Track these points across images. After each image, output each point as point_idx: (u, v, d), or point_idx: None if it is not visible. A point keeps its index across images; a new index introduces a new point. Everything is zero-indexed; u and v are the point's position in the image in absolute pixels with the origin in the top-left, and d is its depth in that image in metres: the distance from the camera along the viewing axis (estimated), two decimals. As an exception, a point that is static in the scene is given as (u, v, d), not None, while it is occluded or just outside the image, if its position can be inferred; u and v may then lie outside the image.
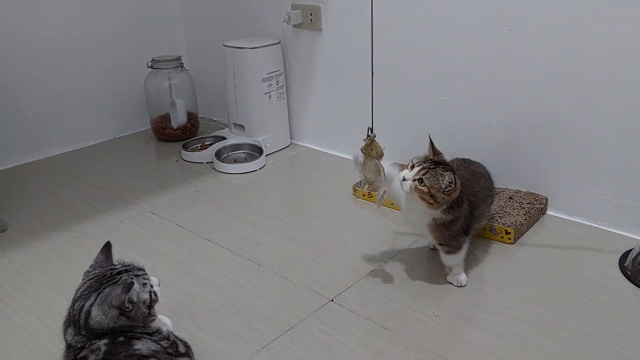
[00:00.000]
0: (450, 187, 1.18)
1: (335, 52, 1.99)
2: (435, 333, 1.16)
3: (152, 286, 1.00)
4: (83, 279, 1.00)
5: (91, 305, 0.94)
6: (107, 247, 1.05)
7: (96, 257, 1.04)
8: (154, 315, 1.00)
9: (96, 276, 0.99)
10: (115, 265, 1.02)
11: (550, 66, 1.50)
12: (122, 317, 0.94)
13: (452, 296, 1.27)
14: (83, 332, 0.94)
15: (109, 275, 0.98)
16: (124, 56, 2.36)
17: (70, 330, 0.95)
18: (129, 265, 1.02)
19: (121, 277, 0.98)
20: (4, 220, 1.66)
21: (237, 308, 1.26)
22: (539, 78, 1.53)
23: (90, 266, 1.02)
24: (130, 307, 0.95)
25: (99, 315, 0.93)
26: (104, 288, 0.96)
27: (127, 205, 1.77)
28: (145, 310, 0.97)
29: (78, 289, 0.98)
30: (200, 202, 1.80)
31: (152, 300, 0.99)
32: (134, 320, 0.96)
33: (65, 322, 0.97)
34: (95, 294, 0.95)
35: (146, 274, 1.02)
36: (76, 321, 0.95)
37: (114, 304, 0.93)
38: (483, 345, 1.12)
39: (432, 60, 1.74)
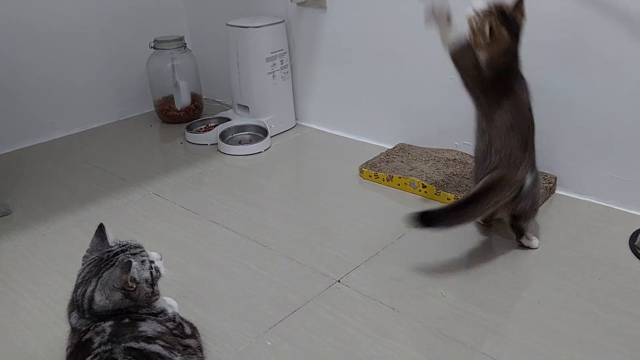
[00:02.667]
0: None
1: (341, 30, 1.96)
2: (443, 314, 1.14)
3: (152, 262, 0.98)
4: (82, 264, 0.98)
5: (93, 290, 0.93)
6: (101, 229, 1.01)
7: (91, 241, 1.01)
8: (158, 294, 0.99)
9: (94, 260, 0.97)
10: (111, 247, 0.99)
11: (559, 43, 1.46)
12: (126, 299, 0.93)
13: (460, 277, 1.26)
14: (87, 316, 0.93)
15: (105, 259, 0.96)
16: (126, 37, 2.33)
17: (75, 314, 0.95)
18: (125, 245, 0.99)
19: (118, 258, 0.96)
20: (8, 204, 1.65)
21: (243, 290, 1.25)
22: (547, 55, 1.50)
23: (87, 251, 1.00)
24: (134, 287, 0.93)
25: (102, 300, 0.92)
26: (103, 272, 0.94)
27: (131, 188, 1.76)
28: (148, 289, 0.96)
29: (79, 275, 0.97)
30: (205, 184, 1.78)
31: (154, 277, 0.97)
32: (138, 301, 0.95)
33: (69, 306, 0.97)
34: (96, 279, 0.94)
35: (144, 251, 1.00)
36: (80, 306, 0.94)
37: (116, 286, 0.92)
38: (492, 325, 1.10)
39: (437, 39, 1.70)
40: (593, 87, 1.45)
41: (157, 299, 0.99)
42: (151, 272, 0.97)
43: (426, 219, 1.21)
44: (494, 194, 1.21)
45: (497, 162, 1.25)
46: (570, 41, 1.45)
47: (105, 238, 1.00)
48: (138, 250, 0.99)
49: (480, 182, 1.25)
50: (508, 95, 1.25)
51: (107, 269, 0.94)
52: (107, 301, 0.92)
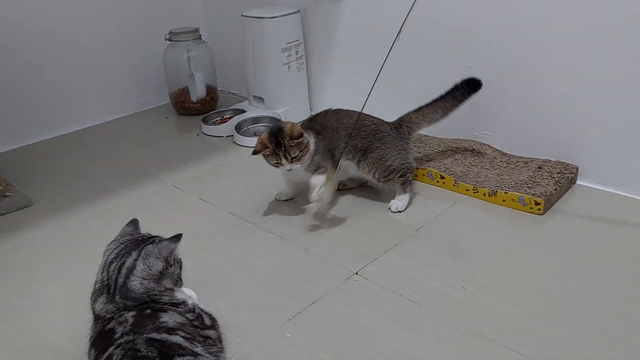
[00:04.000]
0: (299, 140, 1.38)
1: (356, 20, 1.94)
2: (463, 306, 1.14)
3: (180, 260, 1.03)
4: (109, 247, 1.01)
5: (135, 260, 0.96)
6: (134, 222, 1.08)
7: (122, 229, 1.06)
8: (182, 281, 1.03)
9: (128, 240, 1.01)
10: (144, 234, 1.05)
11: (582, 30, 1.44)
12: (163, 275, 0.96)
13: (480, 268, 1.25)
14: (117, 297, 0.94)
15: (141, 239, 1.01)
16: (142, 29, 2.33)
17: (102, 299, 0.96)
18: (157, 236, 1.04)
19: (155, 239, 1.01)
20: (29, 196, 1.67)
21: (262, 281, 1.26)
22: (569, 42, 1.47)
23: (117, 235, 1.04)
24: (172, 263, 0.98)
25: (144, 271, 0.95)
26: (145, 245, 0.99)
27: (149, 180, 1.76)
28: (178, 270, 1.01)
29: (108, 254, 0.99)
30: (222, 175, 1.79)
31: (181, 266, 1.02)
32: (171, 280, 0.98)
33: (94, 293, 0.98)
34: (136, 251, 0.98)
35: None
36: (112, 284, 0.95)
37: (163, 254, 0.97)
38: (512, 318, 1.09)
39: (457, 26, 1.69)
40: (616, 77, 1.42)
41: (180, 285, 1.02)
42: (179, 260, 1.02)
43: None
44: None
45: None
46: (592, 30, 1.42)
47: (137, 228, 1.06)
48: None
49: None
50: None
51: (148, 244, 0.99)
52: (148, 272, 0.95)
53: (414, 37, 1.79)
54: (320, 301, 1.18)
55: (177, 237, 0.99)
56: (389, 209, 1.49)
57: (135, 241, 1.01)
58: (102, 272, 0.98)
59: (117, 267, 0.96)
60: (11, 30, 1.99)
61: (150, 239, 1.01)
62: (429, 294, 1.18)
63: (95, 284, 0.98)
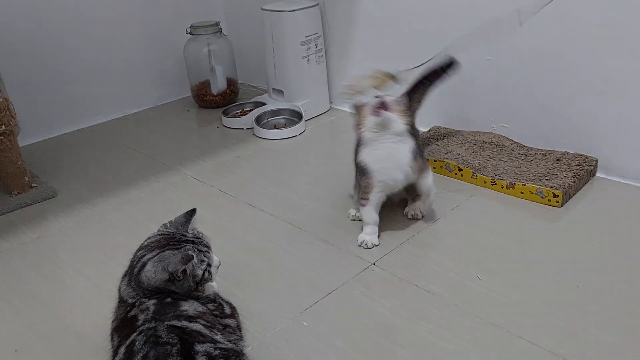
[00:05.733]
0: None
1: (375, 13, 1.94)
2: (479, 297, 1.14)
3: (209, 265, 1.02)
4: (157, 232, 1.04)
5: (150, 258, 0.98)
6: (192, 212, 1.08)
7: (177, 217, 1.07)
8: (201, 292, 1.02)
9: (166, 234, 1.02)
10: (187, 233, 1.04)
11: (602, 19, 1.42)
12: (169, 283, 0.97)
13: (497, 260, 1.25)
14: (133, 284, 0.97)
15: (177, 240, 1.01)
16: (163, 23, 2.36)
17: (125, 279, 1.00)
18: (198, 239, 1.04)
19: (185, 247, 1.00)
20: (54, 187, 1.72)
21: (280, 271, 1.28)
22: (589, 32, 1.45)
23: (168, 222, 1.06)
24: (181, 277, 0.97)
25: (150, 271, 0.97)
26: (167, 249, 0.99)
27: (170, 172, 1.80)
28: (192, 284, 0.99)
29: (148, 238, 1.02)
30: (242, 167, 1.81)
31: (203, 279, 1.01)
32: (180, 289, 0.98)
33: (125, 273, 1.01)
34: (158, 251, 0.99)
35: (209, 252, 1.04)
36: (132, 268, 0.99)
37: (168, 268, 0.96)
38: (529, 309, 1.10)
39: (476, 18, 1.68)
40: (637, 68, 1.40)
41: (199, 295, 1.02)
42: (203, 273, 1.01)
43: None
44: None
45: None
46: (613, 21, 1.40)
47: (190, 222, 1.06)
48: (204, 249, 1.04)
49: None
50: None
51: (171, 248, 0.99)
52: (153, 275, 0.96)
53: (433, 28, 1.79)
54: (338, 291, 1.19)
55: (187, 258, 0.96)
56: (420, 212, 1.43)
57: (168, 239, 1.01)
58: (136, 252, 1.01)
59: (141, 255, 0.99)
60: (35, 24, 2.03)
61: (180, 243, 1.00)
62: (445, 284, 1.18)
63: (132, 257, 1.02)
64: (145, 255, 0.99)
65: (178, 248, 0.99)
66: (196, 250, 1.01)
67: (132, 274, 0.98)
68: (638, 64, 1.40)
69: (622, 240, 1.28)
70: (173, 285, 0.97)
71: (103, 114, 2.28)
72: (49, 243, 1.46)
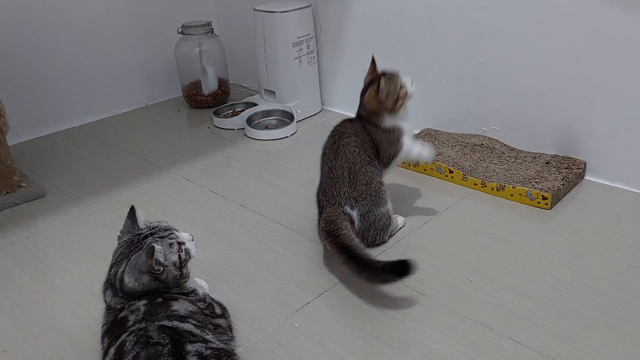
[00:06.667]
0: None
1: (367, 14, 1.95)
2: (470, 298, 1.15)
3: (181, 244, 1.00)
4: (117, 245, 1.02)
5: (123, 272, 0.96)
6: (132, 211, 1.03)
7: (124, 223, 1.03)
8: (187, 276, 1.01)
9: (125, 243, 1.00)
10: (141, 230, 1.01)
11: (590, 27, 1.44)
12: (155, 281, 0.96)
13: (487, 262, 1.26)
14: (120, 295, 0.96)
15: (135, 242, 0.99)
16: (154, 23, 2.35)
17: (109, 292, 0.98)
18: (154, 228, 1.01)
19: (146, 242, 0.98)
20: (43, 187, 1.70)
21: (271, 272, 1.28)
22: (578, 38, 1.47)
23: (120, 232, 1.03)
24: (161, 270, 0.96)
25: (131, 282, 0.96)
26: (132, 255, 0.97)
27: (160, 172, 1.79)
28: (176, 272, 0.98)
29: (114, 255, 1.00)
30: (233, 168, 1.81)
31: (183, 260, 0.99)
32: (167, 283, 0.97)
33: (104, 284, 1.00)
34: (125, 261, 0.97)
35: (173, 233, 1.01)
36: (113, 285, 0.97)
37: (142, 270, 0.95)
38: (519, 311, 1.11)
39: (467, 22, 1.69)
40: (625, 73, 1.42)
41: (186, 281, 1.01)
42: (179, 255, 0.99)
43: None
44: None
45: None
46: (601, 27, 1.42)
47: (136, 220, 1.02)
48: (167, 233, 1.01)
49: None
50: None
51: (135, 252, 0.97)
52: (135, 283, 0.95)
53: (425, 33, 1.80)
54: (329, 292, 1.20)
55: (151, 251, 0.94)
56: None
57: (129, 245, 0.99)
58: (109, 270, 0.99)
59: (114, 272, 0.98)
60: (25, 23, 2.02)
61: (140, 243, 0.98)
62: (435, 285, 1.19)
63: (107, 271, 1.00)
64: (117, 270, 0.97)
65: (140, 248, 0.97)
66: (157, 239, 0.98)
67: (117, 289, 0.97)
68: (626, 69, 1.41)
69: (609, 242, 1.29)
70: (160, 282, 0.96)
71: (93, 113, 2.26)
72: (38, 243, 1.45)
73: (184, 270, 1.00)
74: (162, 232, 1.01)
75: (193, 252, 1.02)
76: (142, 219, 1.04)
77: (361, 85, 1.36)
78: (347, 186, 1.28)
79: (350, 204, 1.28)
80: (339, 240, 1.19)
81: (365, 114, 1.35)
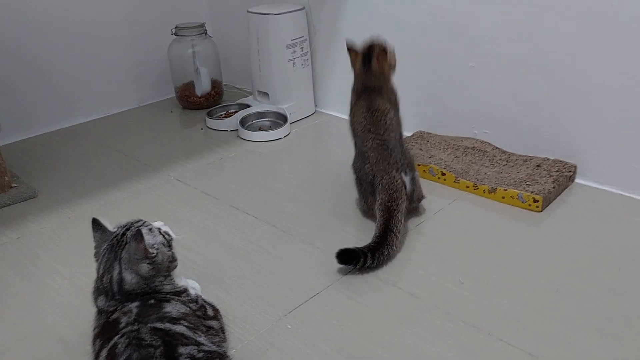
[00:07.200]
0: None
1: (361, 17, 1.96)
2: (461, 300, 1.16)
3: (158, 229, 1.01)
4: (96, 260, 1.00)
5: (120, 273, 0.96)
6: (96, 222, 1.02)
7: (94, 237, 1.02)
8: (177, 259, 1.02)
9: (106, 250, 0.99)
10: (115, 232, 1.01)
11: (581, 30, 1.45)
12: (153, 268, 0.96)
13: (479, 264, 1.27)
14: (117, 297, 0.96)
15: (116, 243, 0.98)
16: (147, 23, 2.35)
17: (102, 298, 0.97)
18: (127, 224, 1.01)
19: (124, 238, 0.98)
20: (34, 187, 1.69)
21: (264, 274, 1.28)
22: (569, 42, 1.48)
23: (94, 247, 1.02)
24: (155, 253, 0.96)
25: (133, 277, 0.95)
26: (120, 254, 0.97)
27: (153, 173, 1.79)
28: (168, 251, 0.99)
29: (98, 268, 0.99)
30: (225, 169, 1.81)
31: (168, 240, 1.00)
32: (162, 267, 0.97)
33: (94, 292, 0.99)
34: (117, 262, 0.96)
35: (146, 222, 1.02)
36: (108, 291, 0.96)
37: (138, 257, 0.95)
38: (510, 312, 1.11)
39: (459, 25, 1.70)
40: (615, 76, 1.43)
41: (176, 266, 1.02)
42: (163, 236, 1.00)
43: (344, 258, 1.25)
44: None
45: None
46: (593, 31, 1.43)
47: (105, 229, 1.02)
48: (141, 222, 1.02)
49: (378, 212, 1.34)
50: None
51: (122, 249, 0.97)
52: (137, 276, 0.95)
53: (417, 35, 1.81)
54: (322, 293, 1.20)
55: (139, 235, 0.94)
56: None
57: (111, 249, 0.98)
58: (98, 280, 0.98)
59: (108, 279, 0.97)
60: (16, 23, 2.01)
61: (121, 241, 0.98)
62: (427, 288, 1.20)
63: (95, 282, 0.99)
64: (112, 276, 0.96)
65: (125, 243, 0.97)
66: (134, 229, 0.98)
67: (113, 293, 0.96)
68: (617, 73, 1.43)
69: (599, 245, 1.31)
70: (157, 267, 0.96)
71: (85, 113, 2.26)
72: (29, 244, 1.44)
73: (173, 251, 1.01)
74: (137, 224, 1.01)
75: (171, 233, 1.03)
76: (109, 225, 1.03)
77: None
78: (400, 154, 1.39)
79: (405, 171, 1.38)
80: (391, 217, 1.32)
81: (374, 84, 1.42)
